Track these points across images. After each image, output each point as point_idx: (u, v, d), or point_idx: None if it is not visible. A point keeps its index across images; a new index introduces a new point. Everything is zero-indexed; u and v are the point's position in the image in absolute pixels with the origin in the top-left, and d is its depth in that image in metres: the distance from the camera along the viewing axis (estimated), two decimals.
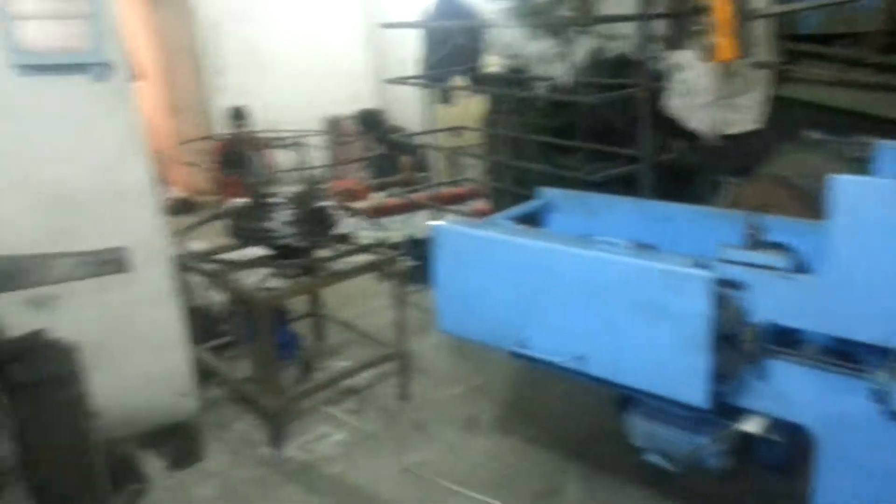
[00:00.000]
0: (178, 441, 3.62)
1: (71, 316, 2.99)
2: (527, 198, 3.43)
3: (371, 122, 9.02)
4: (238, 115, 7.59)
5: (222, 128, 8.35)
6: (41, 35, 2.71)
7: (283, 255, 3.85)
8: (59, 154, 3.02)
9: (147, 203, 3.27)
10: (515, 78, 5.25)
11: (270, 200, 3.92)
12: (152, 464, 3.51)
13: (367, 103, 9.53)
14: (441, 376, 4.45)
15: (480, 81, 5.70)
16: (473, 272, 2.60)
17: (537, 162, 4.87)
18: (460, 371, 4.50)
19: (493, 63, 5.73)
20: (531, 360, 2.45)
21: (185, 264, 3.89)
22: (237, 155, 7.71)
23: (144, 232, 3.25)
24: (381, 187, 7.88)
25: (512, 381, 4.31)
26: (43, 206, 3.03)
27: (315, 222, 3.88)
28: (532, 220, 3.22)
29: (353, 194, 7.24)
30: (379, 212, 6.42)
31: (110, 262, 2.12)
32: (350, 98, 9.48)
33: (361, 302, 5.41)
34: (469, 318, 2.67)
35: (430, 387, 4.32)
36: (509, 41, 5.00)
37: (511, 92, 5.24)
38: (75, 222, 3.06)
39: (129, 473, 3.30)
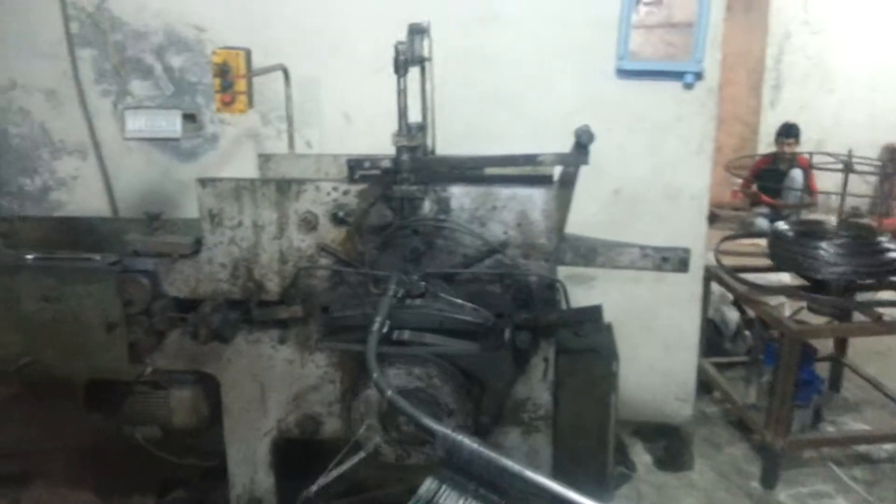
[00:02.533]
0: (669, 443, 3.68)
1: (603, 298, 3.28)
2: None
3: None
4: (788, 132, 7.16)
5: (767, 143, 8.01)
6: (648, 43, 2.98)
7: (819, 288, 3.50)
8: (630, 151, 3.30)
9: (697, 208, 3.34)
10: None
11: (815, 228, 3.59)
12: (641, 456, 3.65)
13: None
14: None
15: None
16: None
17: None
18: None
19: None
20: None
21: (713, 275, 3.88)
22: (776, 173, 7.38)
23: (689, 235, 3.32)
24: None
25: None
26: (606, 198, 3.35)
27: (865, 259, 3.40)
28: None
29: None
30: None
31: (671, 260, 2.22)
32: None
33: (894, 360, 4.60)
34: None
35: None
36: None
37: None
38: (628, 216, 3.31)
39: (620, 457, 3.50)
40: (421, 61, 2.16)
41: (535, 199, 2.13)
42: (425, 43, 2.21)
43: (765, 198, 7.16)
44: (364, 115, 3.36)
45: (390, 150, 2.28)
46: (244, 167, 3.36)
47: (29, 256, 2.27)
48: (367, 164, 2.21)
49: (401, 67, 2.11)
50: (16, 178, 3.61)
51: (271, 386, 2.30)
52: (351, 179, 2.20)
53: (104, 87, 3.47)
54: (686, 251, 2.26)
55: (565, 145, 2.21)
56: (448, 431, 1.53)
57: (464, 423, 2.01)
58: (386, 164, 2.16)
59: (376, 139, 3.33)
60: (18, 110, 3.56)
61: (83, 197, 3.58)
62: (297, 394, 2.30)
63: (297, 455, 2.43)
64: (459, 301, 2.09)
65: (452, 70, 2.83)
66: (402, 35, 3.18)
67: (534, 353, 2.19)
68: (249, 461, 2.34)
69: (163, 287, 2.27)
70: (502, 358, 2.07)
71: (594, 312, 2.22)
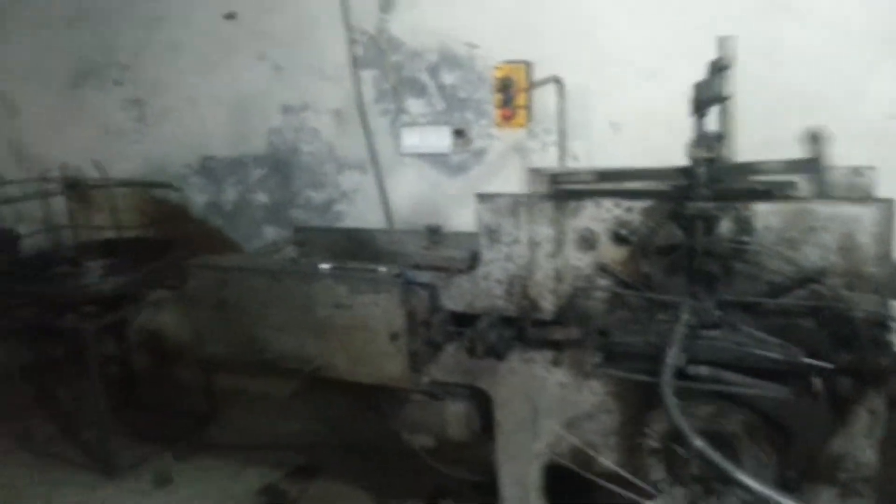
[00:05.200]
0: None
1: None
2: None
3: None
4: None
5: None
6: None
7: None
8: None
9: None
10: None
11: None
12: None
13: None
14: None
15: None
16: None
17: None
18: None
19: None
20: None
21: None
22: None
23: None
24: None
25: None
26: None
27: None
28: None
29: None
30: None
31: None
32: None
33: None
34: None
35: None
36: None
37: None
38: None
39: None
40: (720, 100, 1.92)
41: (863, 220, 1.80)
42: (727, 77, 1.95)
43: None
44: (635, 124, 3.18)
45: (663, 162, 2.09)
46: (510, 182, 3.36)
47: (323, 266, 2.45)
48: (652, 176, 2.05)
49: (700, 108, 1.91)
50: (305, 191, 4.01)
51: (544, 409, 2.22)
52: (635, 195, 2.05)
53: (383, 106, 3.71)
54: None
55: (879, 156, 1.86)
56: (772, 493, 1.31)
57: (773, 477, 1.75)
58: (678, 177, 1.97)
59: (648, 150, 3.14)
60: (310, 130, 3.94)
61: (361, 209, 3.86)
62: (570, 420, 2.20)
63: (568, 484, 2.33)
64: (763, 335, 1.83)
65: (743, 71, 2.55)
66: (678, 34, 2.94)
67: (857, 403, 1.85)
68: (521, 482, 2.29)
69: (441, 300, 2.31)
70: (817, 406, 1.77)
71: None
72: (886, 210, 1.80)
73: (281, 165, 4.03)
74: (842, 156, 2.19)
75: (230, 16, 3.93)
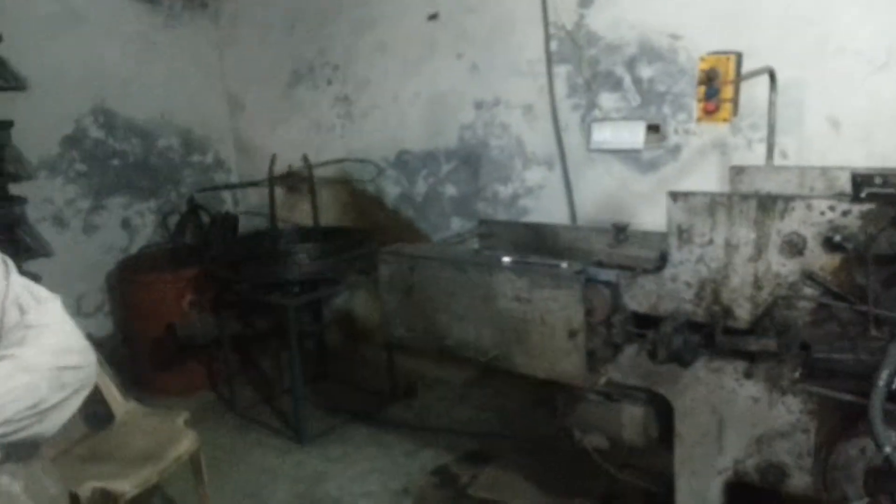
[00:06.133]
0: None
1: None
2: None
3: None
4: None
5: None
6: None
7: None
8: None
9: None
10: None
11: None
12: None
13: None
14: None
15: None
16: None
17: None
18: None
19: None
20: None
21: None
22: None
23: None
24: None
25: None
26: None
27: None
28: None
29: None
30: None
31: None
32: None
33: None
34: None
35: None
36: None
37: None
38: None
39: None
40: None
41: None
42: None
43: None
44: (858, 121, 2.85)
45: (891, 163, 1.84)
46: (706, 180, 3.17)
47: (505, 259, 2.47)
48: (878, 181, 1.81)
49: None
50: (492, 185, 4.07)
51: (731, 422, 2.07)
52: (855, 198, 1.83)
53: (574, 101, 3.66)
54: None
55: None
56: None
57: None
58: None
59: (874, 150, 2.80)
60: (500, 124, 3.99)
61: (546, 204, 3.84)
62: (760, 437, 2.03)
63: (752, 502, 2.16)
64: None
65: None
66: None
67: None
68: (700, 497, 2.15)
69: (623, 300, 2.24)
70: None
71: None
72: None
73: (471, 159, 4.13)
74: None
75: (433, 16, 4.09)
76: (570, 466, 2.95)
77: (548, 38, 3.66)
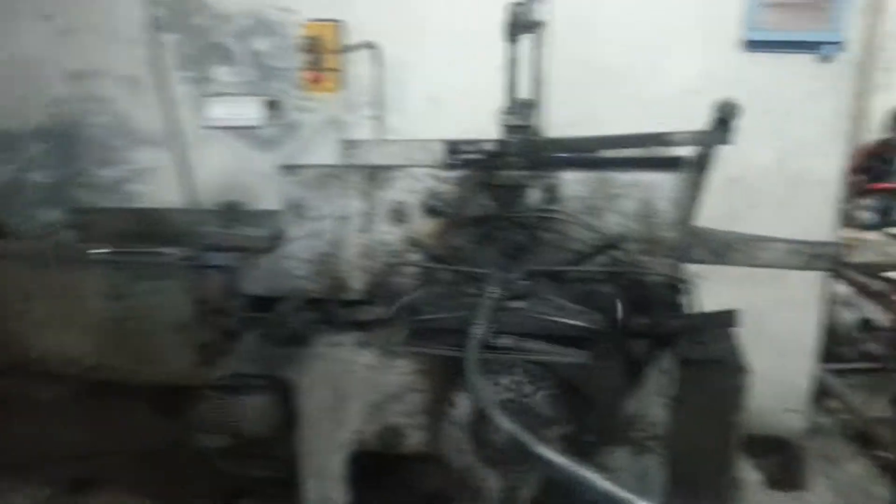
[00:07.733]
0: (780, 459, 3.28)
1: (713, 300, 2.91)
2: None
3: None
4: None
5: (876, 130, 7.29)
6: (779, 9, 2.60)
7: None
8: (752, 134, 2.91)
9: (829, 195, 2.93)
10: None
11: None
12: (749, 473, 3.26)
13: None
14: None
15: None
16: None
17: None
18: None
19: None
20: None
21: (838, 273, 3.42)
22: (884, 161, 6.67)
23: (817, 227, 2.91)
24: None
25: None
26: (721, 187, 2.97)
27: None
28: None
29: None
30: None
31: (822, 257, 1.87)
32: None
33: None
34: None
35: None
36: None
37: None
38: (746, 206, 2.93)
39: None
40: (534, 27, 1.85)
41: (662, 186, 1.82)
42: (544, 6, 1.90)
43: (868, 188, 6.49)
44: (453, 99, 3.10)
45: (482, 137, 2.02)
46: (328, 157, 3.16)
47: (101, 251, 2.12)
48: (467, 147, 1.95)
49: (514, 31, 1.83)
50: (92, 168, 3.52)
51: (350, 394, 2.07)
52: (447, 164, 1.95)
53: (187, 74, 3.34)
54: (838, 246, 1.90)
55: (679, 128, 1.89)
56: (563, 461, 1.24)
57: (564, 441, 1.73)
58: (490, 146, 1.89)
59: (466, 124, 3.06)
60: (99, 99, 3.48)
61: (160, 188, 3.46)
62: (377, 403, 2.06)
63: (375, 467, 2.20)
64: (566, 303, 1.80)
65: (554, 43, 2.54)
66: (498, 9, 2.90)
67: (650, 364, 1.88)
68: (324, 473, 2.12)
69: (239, 284, 2.08)
70: (613, 369, 1.77)
71: (727, 318, 1.89)
72: (683, 176, 1.84)
73: (65, 140, 3.51)
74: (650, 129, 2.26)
75: None
76: (192, 473, 2.67)
77: (150, 1, 3.27)
